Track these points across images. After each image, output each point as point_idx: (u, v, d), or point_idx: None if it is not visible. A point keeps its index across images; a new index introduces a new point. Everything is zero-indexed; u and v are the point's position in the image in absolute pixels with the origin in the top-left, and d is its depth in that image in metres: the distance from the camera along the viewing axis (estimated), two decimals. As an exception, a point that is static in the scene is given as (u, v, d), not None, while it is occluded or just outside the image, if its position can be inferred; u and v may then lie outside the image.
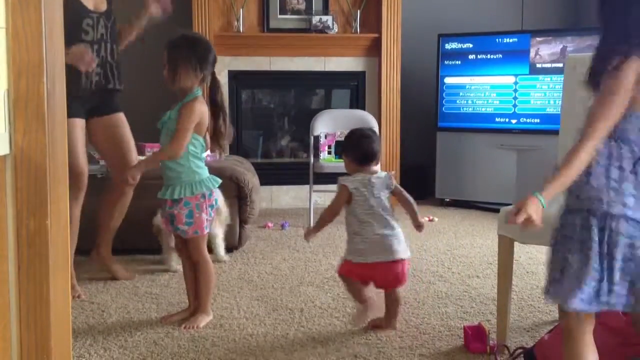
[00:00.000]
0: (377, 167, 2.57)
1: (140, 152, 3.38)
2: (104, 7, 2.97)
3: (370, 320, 2.50)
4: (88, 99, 2.95)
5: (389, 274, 2.42)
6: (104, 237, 3.18)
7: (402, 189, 2.53)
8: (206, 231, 2.55)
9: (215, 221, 3.29)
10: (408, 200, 2.51)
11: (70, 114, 2.84)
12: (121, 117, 3.10)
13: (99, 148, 3.20)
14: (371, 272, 2.43)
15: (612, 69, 1.53)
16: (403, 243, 2.44)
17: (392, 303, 2.49)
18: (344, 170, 2.61)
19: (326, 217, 2.53)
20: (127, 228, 3.28)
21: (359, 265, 2.43)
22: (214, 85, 2.55)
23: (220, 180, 2.60)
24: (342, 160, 2.64)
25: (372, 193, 2.45)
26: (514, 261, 2.43)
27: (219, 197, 3.05)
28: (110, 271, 3.20)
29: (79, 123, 2.93)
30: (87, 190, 2.99)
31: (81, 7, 2.85)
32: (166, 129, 2.49)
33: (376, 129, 4.87)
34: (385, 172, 2.56)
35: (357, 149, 2.53)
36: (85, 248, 3.12)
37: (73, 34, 2.78)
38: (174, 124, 2.45)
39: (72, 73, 2.83)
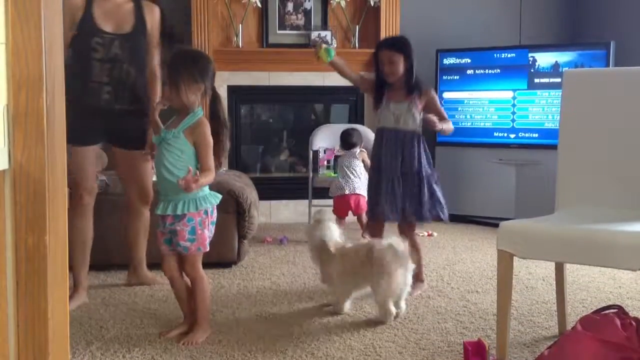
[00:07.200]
0: (356, 150, 4.49)
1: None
2: (127, 29, 3.01)
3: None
4: (102, 120, 3.00)
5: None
6: (136, 256, 3.31)
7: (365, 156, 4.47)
8: (208, 248, 2.55)
9: (404, 269, 2.76)
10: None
11: (84, 142, 2.92)
12: (141, 153, 3.10)
13: (119, 174, 3.31)
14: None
15: None
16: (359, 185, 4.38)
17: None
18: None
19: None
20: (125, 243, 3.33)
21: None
22: (215, 99, 2.55)
23: (220, 196, 2.59)
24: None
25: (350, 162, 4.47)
26: (514, 276, 2.42)
27: (398, 244, 2.74)
28: (149, 283, 3.35)
29: (92, 151, 3.04)
30: (94, 208, 3.08)
31: (93, 27, 2.94)
32: (171, 146, 2.46)
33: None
34: (359, 151, 4.47)
35: (341, 139, 4.59)
36: (102, 263, 3.43)
37: (84, 51, 2.93)
38: (184, 144, 2.45)
39: (86, 92, 2.95)
